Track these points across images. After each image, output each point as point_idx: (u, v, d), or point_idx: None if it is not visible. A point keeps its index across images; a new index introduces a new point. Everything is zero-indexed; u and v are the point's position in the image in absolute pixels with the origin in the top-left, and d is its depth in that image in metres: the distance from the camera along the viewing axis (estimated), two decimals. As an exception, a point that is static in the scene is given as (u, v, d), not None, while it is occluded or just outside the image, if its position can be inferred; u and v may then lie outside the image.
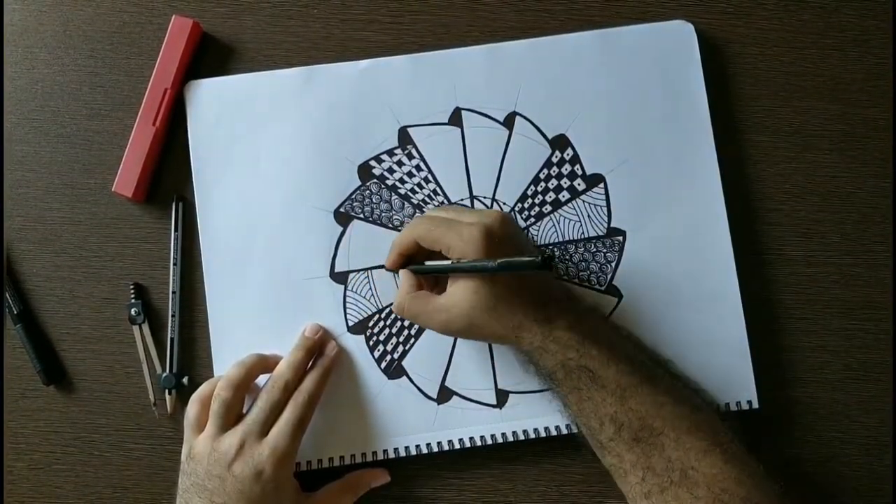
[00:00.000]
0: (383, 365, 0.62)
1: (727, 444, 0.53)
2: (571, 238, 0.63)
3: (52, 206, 0.64)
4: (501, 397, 0.61)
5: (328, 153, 0.63)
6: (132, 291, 0.63)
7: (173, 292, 0.63)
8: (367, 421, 0.61)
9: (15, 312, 0.62)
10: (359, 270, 0.62)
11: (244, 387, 0.58)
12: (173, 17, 0.62)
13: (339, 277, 0.62)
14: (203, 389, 0.58)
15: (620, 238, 0.62)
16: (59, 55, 0.64)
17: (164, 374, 0.62)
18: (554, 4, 0.65)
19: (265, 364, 0.59)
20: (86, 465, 0.63)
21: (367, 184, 0.63)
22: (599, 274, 0.62)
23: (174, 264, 0.63)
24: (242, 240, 0.62)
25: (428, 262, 0.57)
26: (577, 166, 0.63)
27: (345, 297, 0.62)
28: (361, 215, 0.62)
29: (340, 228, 0.62)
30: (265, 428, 0.56)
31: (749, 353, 0.61)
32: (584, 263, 0.62)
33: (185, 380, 0.62)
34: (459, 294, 0.55)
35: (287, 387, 0.57)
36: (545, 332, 0.54)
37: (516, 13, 0.64)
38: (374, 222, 0.62)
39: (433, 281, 0.59)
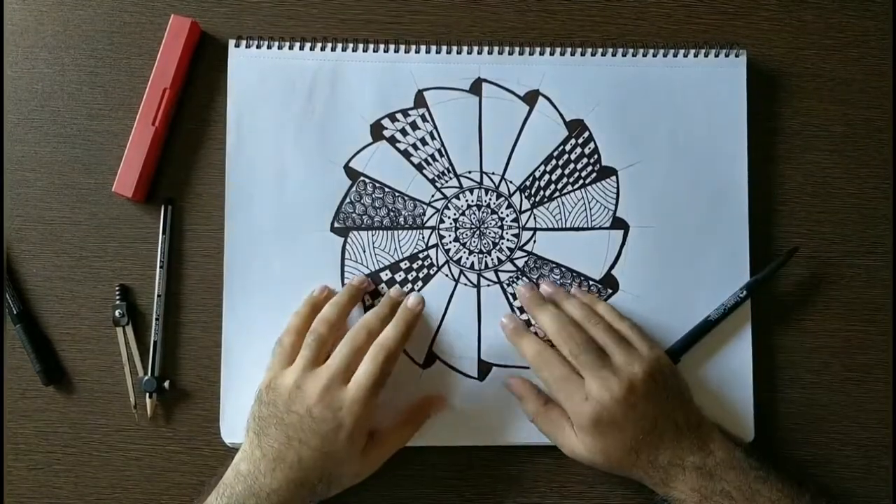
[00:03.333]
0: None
1: None
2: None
3: (52, 206, 0.64)
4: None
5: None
6: (118, 292, 0.63)
7: (158, 295, 0.62)
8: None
9: (15, 312, 0.62)
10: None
11: (339, 326, 0.58)
12: (171, 16, 0.62)
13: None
14: (296, 323, 0.59)
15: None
16: (59, 55, 0.64)
17: (146, 378, 0.62)
18: (555, 5, 0.65)
19: (357, 299, 0.60)
20: (85, 465, 0.63)
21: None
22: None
23: (161, 267, 0.63)
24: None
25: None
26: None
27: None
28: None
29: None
30: (348, 374, 0.56)
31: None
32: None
33: (166, 384, 0.62)
34: (596, 441, 0.56)
35: (371, 333, 0.57)
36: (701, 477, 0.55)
37: (517, 13, 0.64)
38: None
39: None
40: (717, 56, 0.63)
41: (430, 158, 0.63)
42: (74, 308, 0.63)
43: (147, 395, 0.62)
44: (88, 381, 0.63)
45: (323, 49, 0.63)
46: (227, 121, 0.63)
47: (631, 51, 0.63)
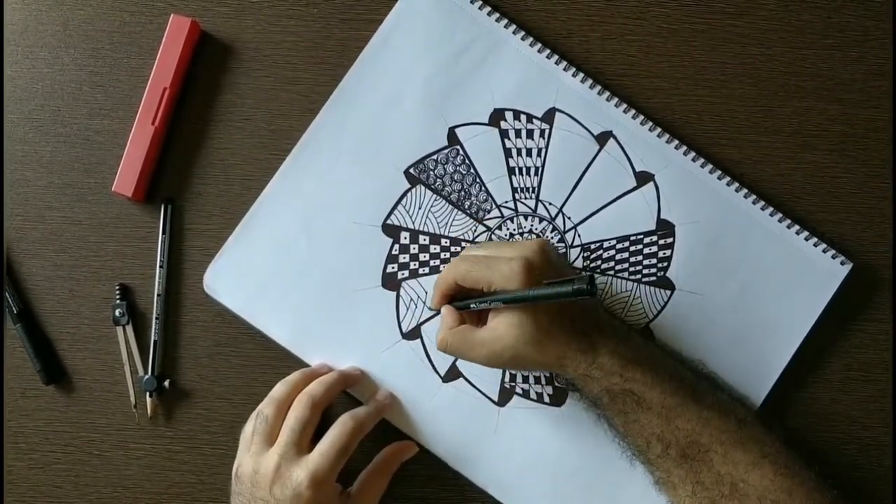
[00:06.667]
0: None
1: (775, 455, 0.54)
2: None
3: (52, 206, 0.64)
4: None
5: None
6: (118, 292, 0.63)
7: (158, 295, 0.63)
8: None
9: (15, 312, 0.62)
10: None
11: (287, 403, 0.58)
12: (171, 16, 0.62)
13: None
14: (263, 409, 0.58)
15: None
16: (59, 55, 0.64)
17: (146, 377, 0.62)
18: (554, 4, 0.64)
19: (309, 380, 0.59)
20: (85, 464, 0.63)
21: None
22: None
23: (161, 267, 0.63)
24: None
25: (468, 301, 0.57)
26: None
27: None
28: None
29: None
30: (299, 447, 0.56)
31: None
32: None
33: (166, 383, 0.62)
34: (502, 327, 0.54)
35: (314, 402, 0.57)
36: (589, 359, 0.54)
37: (516, 13, 0.64)
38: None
39: (476, 315, 0.58)
40: (825, 252, 0.62)
41: (525, 170, 0.62)
42: (74, 307, 0.63)
43: (147, 394, 0.62)
44: (88, 380, 0.63)
45: (499, 21, 0.62)
46: (381, 27, 0.63)
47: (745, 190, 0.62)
